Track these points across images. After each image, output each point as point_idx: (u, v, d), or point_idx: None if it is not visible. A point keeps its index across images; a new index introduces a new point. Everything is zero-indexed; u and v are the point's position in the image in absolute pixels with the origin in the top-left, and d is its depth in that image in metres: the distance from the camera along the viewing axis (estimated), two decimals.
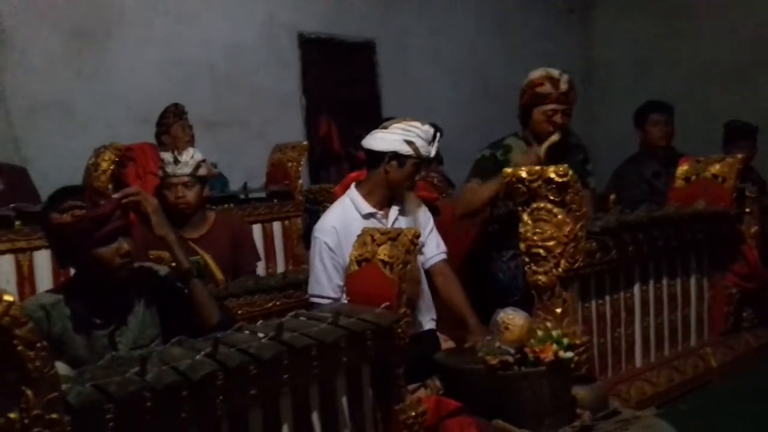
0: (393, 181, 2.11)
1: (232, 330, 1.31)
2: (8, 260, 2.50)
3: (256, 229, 3.19)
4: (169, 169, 2.41)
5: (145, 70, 3.99)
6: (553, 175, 1.71)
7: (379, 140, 2.11)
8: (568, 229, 1.72)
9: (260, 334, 1.27)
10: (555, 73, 2.39)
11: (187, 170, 2.42)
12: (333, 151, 4.79)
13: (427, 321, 2.17)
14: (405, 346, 1.43)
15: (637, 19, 6.11)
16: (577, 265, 1.76)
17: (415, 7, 5.45)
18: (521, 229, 1.78)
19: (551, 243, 1.73)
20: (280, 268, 3.27)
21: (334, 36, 4.96)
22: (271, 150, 3.66)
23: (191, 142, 3.54)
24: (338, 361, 1.33)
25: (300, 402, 1.29)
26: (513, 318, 1.53)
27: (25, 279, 2.53)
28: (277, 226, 3.37)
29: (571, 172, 1.71)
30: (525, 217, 1.77)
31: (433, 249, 2.21)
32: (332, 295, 2.00)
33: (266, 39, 4.61)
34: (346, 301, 1.81)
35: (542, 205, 1.76)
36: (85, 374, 1.08)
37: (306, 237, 3.50)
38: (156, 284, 1.69)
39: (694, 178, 2.31)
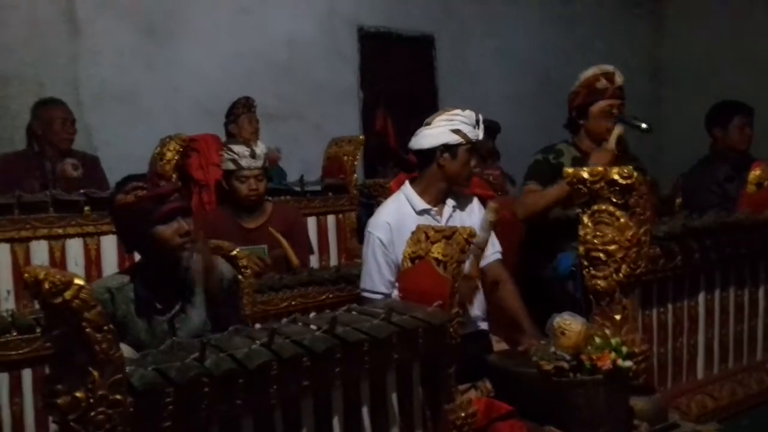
0: (450, 173, 2.10)
1: (287, 321, 1.34)
2: (77, 243, 2.61)
3: (311, 222, 3.23)
4: (244, 162, 2.53)
5: (208, 63, 4.10)
6: (616, 177, 1.65)
7: (427, 137, 2.11)
8: (630, 233, 1.66)
9: (314, 327, 1.28)
10: (608, 68, 2.40)
11: (260, 163, 2.54)
12: (388, 146, 4.79)
13: (480, 321, 2.15)
14: (456, 346, 1.42)
15: (708, 14, 5.83)
16: (638, 270, 1.69)
17: (476, 0, 5.39)
18: (580, 232, 1.73)
19: (612, 247, 1.68)
20: (333, 261, 3.31)
21: (393, 30, 4.96)
22: (327, 143, 3.71)
23: (256, 134, 3.63)
24: (389, 357, 1.33)
25: (351, 396, 1.30)
26: (570, 323, 1.49)
27: (92, 263, 2.65)
28: (331, 220, 3.40)
29: (636, 174, 1.65)
30: (585, 219, 1.72)
31: (489, 248, 2.18)
32: (383, 290, 2.01)
33: (326, 32, 4.65)
34: (397, 298, 1.82)
35: (604, 207, 1.70)
36: (147, 358, 1.12)
37: (359, 231, 3.52)
38: (215, 277, 1.75)
39: (766, 183, 2.21)
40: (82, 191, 2.65)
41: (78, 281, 0.95)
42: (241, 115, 3.62)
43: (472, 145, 2.09)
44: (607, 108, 2.38)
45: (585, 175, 1.69)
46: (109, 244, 2.68)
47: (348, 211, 3.45)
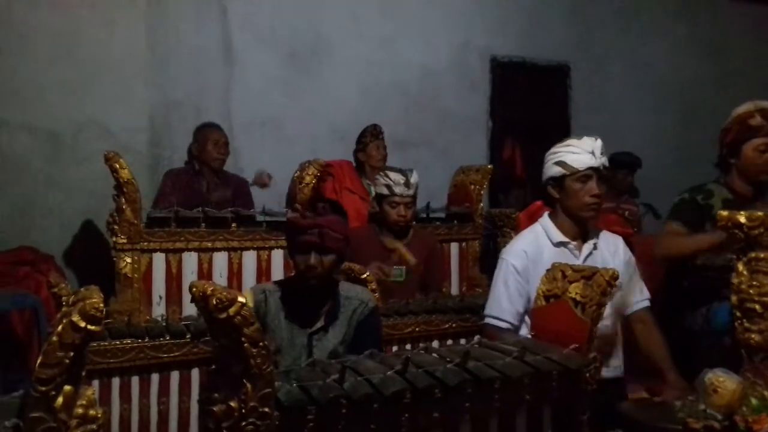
0: (564, 206, 2.02)
1: (418, 350, 1.36)
2: (223, 257, 2.85)
3: None
4: (398, 189, 2.69)
5: (345, 91, 4.30)
6: None
7: (542, 174, 2.08)
8: None
9: (446, 359, 1.30)
10: (764, 104, 2.25)
11: (412, 192, 2.67)
12: (515, 176, 4.73)
13: (614, 367, 2.03)
14: (592, 393, 1.37)
15: None
16: None
17: (615, 29, 5.20)
18: (734, 280, 1.60)
19: None
20: (455, 289, 3.31)
21: (527, 59, 4.91)
22: (454, 171, 3.74)
23: (383, 160, 3.75)
24: (520, 397, 1.31)
25: None
26: (724, 381, 1.37)
27: (234, 275, 2.86)
28: (454, 247, 3.42)
29: None
30: (740, 267, 1.59)
31: (637, 294, 2.07)
32: (510, 319, 1.96)
33: (459, 62, 4.71)
34: (526, 333, 1.78)
35: (762, 255, 1.57)
36: (290, 374, 1.20)
37: (483, 260, 3.51)
38: (362, 311, 1.84)
39: None
40: (230, 209, 2.89)
41: (241, 299, 1.04)
42: (369, 143, 3.77)
43: (585, 175, 1.99)
44: (763, 147, 2.23)
45: (742, 219, 1.57)
46: (250, 260, 2.89)
47: (472, 240, 3.45)
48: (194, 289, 1.12)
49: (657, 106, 5.21)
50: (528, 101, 4.91)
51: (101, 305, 0.97)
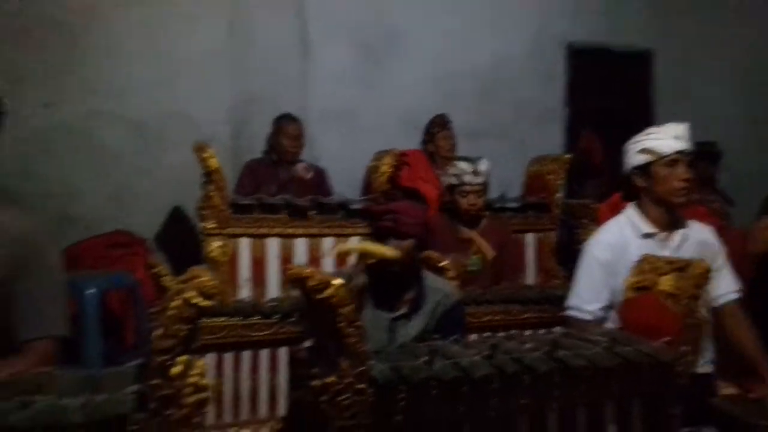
0: (653, 194, 1.96)
1: (504, 336, 1.38)
2: (303, 243, 2.94)
3: None
4: (467, 178, 2.71)
5: (418, 81, 4.31)
6: None
7: (625, 164, 2.02)
8: None
9: (532, 347, 1.30)
10: None
11: (481, 180, 2.68)
12: (593, 166, 4.60)
13: (704, 362, 1.97)
14: (683, 387, 1.34)
15: None
16: None
17: (701, 14, 4.95)
18: None
19: None
20: (530, 280, 3.28)
21: (606, 46, 4.76)
22: (528, 161, 3.69)
23: (452, 150, 3.75)
24: (609, 388, 1.30)
25: (567, 421, 1.29)
26: None
27: (313, 261, 2.95)
28: (530, 238, 3.38)
29: None
30: None
31: (726, 286, 1.99)
32: (594, 312, 1.93)
33: (533, 50, 4.63)
34: (611, 326, 1.76)
35: None
36: (381, 355, 1.24)
37: (559, 252, 3.46)
38: (446, 303, 1.86)
39: None
40: (310, 197, 2.98)
41: (337, 281, 1.09)
42: (437, 134, 3.77)
43: (672, 159, 1.90)
44: None
45: None
46: (329, 246, 2.97)
47: (548, 231, 3.40)
48: (290, 272, 1.18)
49: (744, 96, 4.93)
50: (607, 90, 4.77)
51: (214, 283, 1.04)
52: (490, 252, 2.73)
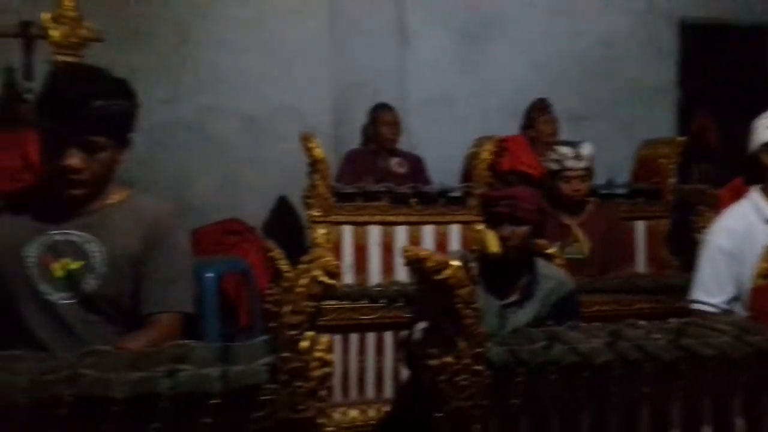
0: None
1: (624, 324, 1.34)
2: (404, 230, 2.98)
3: None
4: (569, 163, 2.63)
5: (518, 65, 4.23)
6: None
7: (750, 141, 1.87)
8: None
9: (655, 335, 1.26)
10: None
11: (584, 164, 2.59)
12: (707, 149, 4.31)
13: None
14: None
15: None
16: None
17: None
18: None
19: None
20: (640, 270, 3.14)
21: (721, 22, 4.43)
22: (636, 145, 3.52)
23: (554, 135, 3.65)
24: (737, 379, 1.23)
25: (691, 412, 1.24)
26: None
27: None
28: (640, 226, 3.23)
29: None
30: None
31: None
32: (720, 303, 1.82)
33: (642, 27, 4.40)
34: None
35: None
36: (496, 338, 1.24)
37: (672, 240, 3.28)
38: (560, 291, 1.83)
39: None
40: (410, 185, 3.01)
41: (455, 263, 1.10)
42: (537, 118, 3.68)
43: None
44: None
45: None
46: (429, 234, 3.00)
47: (660, 218, 3.23)
48: (407, 254, 1.21)
49: None
50: (724, 68, 4.44)
51: (337, 263, 1.08)
52: (586, 242, 2.63)
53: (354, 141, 4.01)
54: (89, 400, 0.98)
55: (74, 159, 1.37)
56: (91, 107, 1.36)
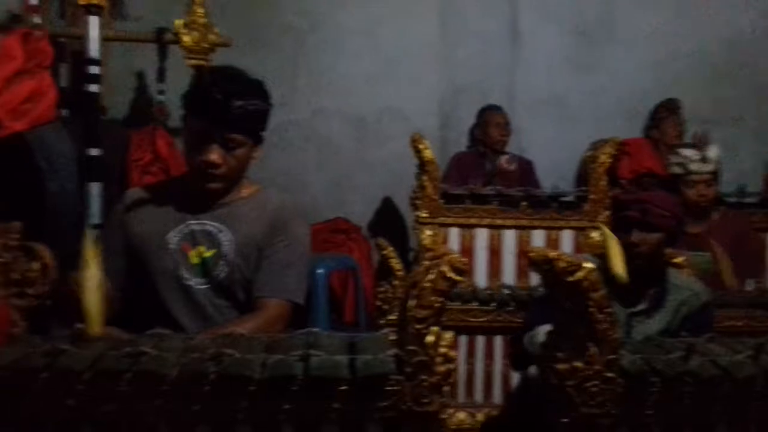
0: None
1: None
2: (512, 234, 2.93)
3: None
4: (694, 166, 2.50)
5: (637, 65, 4.03)
6: None
7: None
8: None
9: None
10: None
11: (711, 168, 2.45)
12: None
13: None
14: None
15: None
16: None
17: None
18: None
19: None
20: None
21: None
22: None
23: (679, 138, 3.45)
24: None
25: None
26: None
27: (523, 253, 2.92)
28: None
29: None
30: None
31: None
32: None
33: None
34: None
35: None
36: (629, 346, 1.19)
37: None
38: (693, 303, 1.73)
39: None
40: (521, 188, 2.96)
41: (589, 264, 1.07)
42: (664, 119, 3.49)
43: None
44: None
45: None
46: (539, 239, 2.92)
47: None
48: (533, 255, 1.18)
49: None
50: None
51: (464, 260, 1.08)
52: (713, 251, 2.46)
53: (460, 143, 4.00)
54: (230, 379, 1.04)
55: (214, 154, 1.47)
56: (233, 106, 1.45)
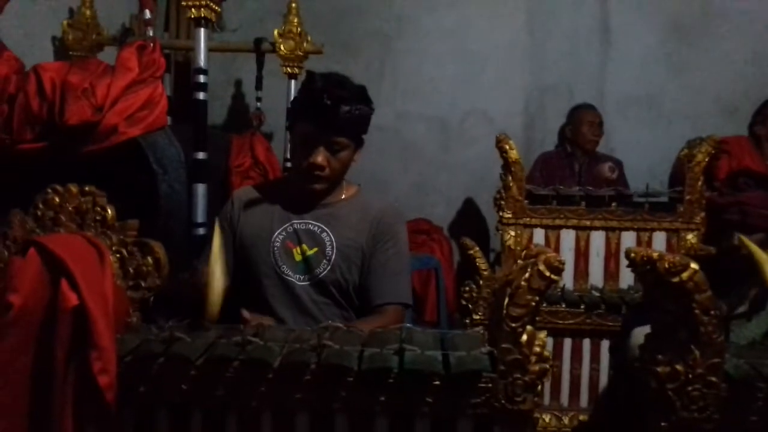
0: None
1: None
2: (600, 236, 2.83)
3: None
4: None
5: (737, 60, 3.80)
6: None
7: None
8: None
9: None
10: None
11: None
12: None
13: None
14: None
15: None
16: None
17: None
18: None
19: None
20: None
21: None
22: None
23: None
24: None
25: None
26: None
27: (612, 255, 2.83)
28: None
29: None
30: None
31: None
32: None
33: None
34: None
35: None
36: (731, 350, 1.15)
37: None
38: None
39: None
40: (611, 188, 2.87)
41: (694, 265, 1.04)
42: None
43: None
44: None
45: None
46: (629, 241, 2.82)
47: None
48: (632, 254, 1.16)
49: None
50: None
51: (562, 259, 1.08)
52: None
53: (545, 144, 3.92)
54: (329, 369, 1.09)
55: (320, 157, 1.54)
56: (340, 111, 1.51)
